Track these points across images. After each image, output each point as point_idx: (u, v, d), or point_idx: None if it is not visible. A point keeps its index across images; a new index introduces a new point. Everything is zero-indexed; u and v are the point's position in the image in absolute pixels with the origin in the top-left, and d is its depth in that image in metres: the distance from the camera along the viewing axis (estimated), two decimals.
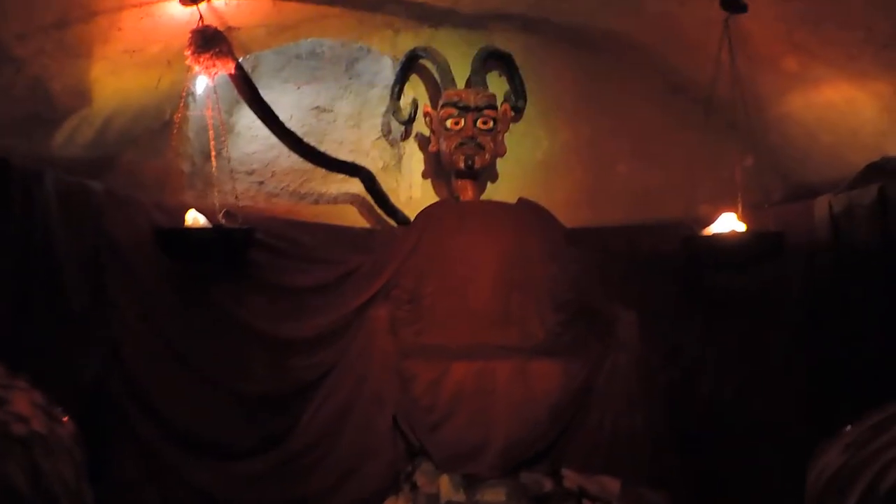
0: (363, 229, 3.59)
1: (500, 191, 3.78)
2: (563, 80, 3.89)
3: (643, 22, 3.41)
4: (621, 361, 3.19)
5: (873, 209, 2.94)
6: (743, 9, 2.94)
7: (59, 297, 2.70)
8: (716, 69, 3.10)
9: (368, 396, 3.25)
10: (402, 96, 3.72)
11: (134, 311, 2.99)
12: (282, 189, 3.72)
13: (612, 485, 3.12)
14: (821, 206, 3.20)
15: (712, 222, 3.14)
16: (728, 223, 3.12)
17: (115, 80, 2.94)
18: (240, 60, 3.45)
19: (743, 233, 3.06)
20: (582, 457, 3.26)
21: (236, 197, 3.26)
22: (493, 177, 3.79)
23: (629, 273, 3.46)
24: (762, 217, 3.19)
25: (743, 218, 3.11)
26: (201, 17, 2.82)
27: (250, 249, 3.12)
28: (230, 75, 3.10)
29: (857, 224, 3.03)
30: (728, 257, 3.13)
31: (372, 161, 3.78)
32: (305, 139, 3.57)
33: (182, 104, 3.03)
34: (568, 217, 3.65)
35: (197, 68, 2.87)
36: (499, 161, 3.75)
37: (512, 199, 3.66)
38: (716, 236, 3.09)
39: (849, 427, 1.80)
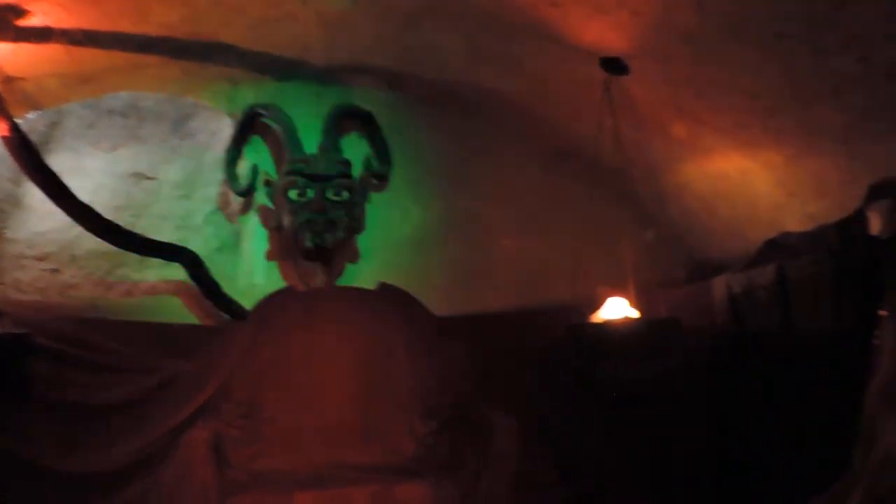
0: (184, 326, 3.09)
1: (362, 273, 3.41)
2: (435, 144, 3.64)
3: (521, 81, 3.23)
4: (500, 480, 2.82)
5: (773, 290, 2.89)
6: (624, 70, 2.81)
7: None
8: (600, 134, 2.95)
9: None
10: (241, 161, 3.31)
11: None
12: (84, 277, 3.16)
13: None
14: (719, 288, 3.12)
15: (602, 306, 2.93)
16: (618, 308, 2.91)
17: None
18: (27, 117, 3.00)
19: (636, 320, 2.86)
20: None
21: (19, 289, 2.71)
22: (353, 256, 3.41)
23: (513, 369, 3.15)
24: (656, 300, 3.05)
25: (635, 302, 2.92)
26: None
27: (27, 360, 2.60)
28: (2, 137, 2.62)
29: (757, 306, 2.96)
30: (621, 347, 2.89)
31: (205, 240, 3.33)
32: (120, 213, 3.09)
33: None
34: (442, 303, 3.32)
35: None
36: (360, 237, 3.39)
37: (374, 284, 3.30)
38: (606, 325, 2.87)
39: None
